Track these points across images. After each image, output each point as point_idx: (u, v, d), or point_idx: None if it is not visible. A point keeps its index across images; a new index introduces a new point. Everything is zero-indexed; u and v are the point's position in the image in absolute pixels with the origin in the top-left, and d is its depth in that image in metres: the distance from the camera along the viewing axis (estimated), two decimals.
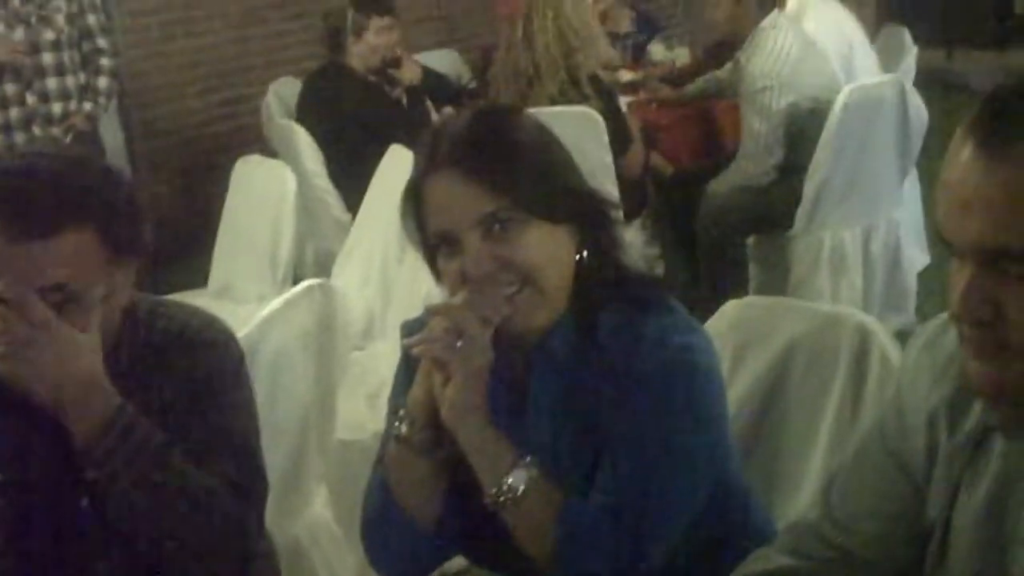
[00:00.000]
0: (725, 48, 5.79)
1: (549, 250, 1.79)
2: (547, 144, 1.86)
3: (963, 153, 1.28)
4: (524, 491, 1.73)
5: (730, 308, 2.31)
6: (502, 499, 1.74)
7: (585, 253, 1.83)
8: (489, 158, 1.77)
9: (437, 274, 1.84)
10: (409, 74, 5.63)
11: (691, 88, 5.78)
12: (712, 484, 1.81)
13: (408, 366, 1.91)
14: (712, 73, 5.65)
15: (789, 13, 5.09)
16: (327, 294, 2.93)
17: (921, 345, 1.58)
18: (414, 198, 1.82)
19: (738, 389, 2.23)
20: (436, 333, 1.73)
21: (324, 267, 4.82)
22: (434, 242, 1.80)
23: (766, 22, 4.75)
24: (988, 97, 1.31)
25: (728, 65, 5.35)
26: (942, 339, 1.53)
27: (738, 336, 2.27)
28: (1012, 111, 1.28)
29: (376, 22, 5.46)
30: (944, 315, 1.51)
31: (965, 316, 1.29)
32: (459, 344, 1.72)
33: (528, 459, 1.75)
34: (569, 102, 4.59)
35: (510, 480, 1.73)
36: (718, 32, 5.23)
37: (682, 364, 1.77)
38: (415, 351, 1.76)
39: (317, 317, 2.87)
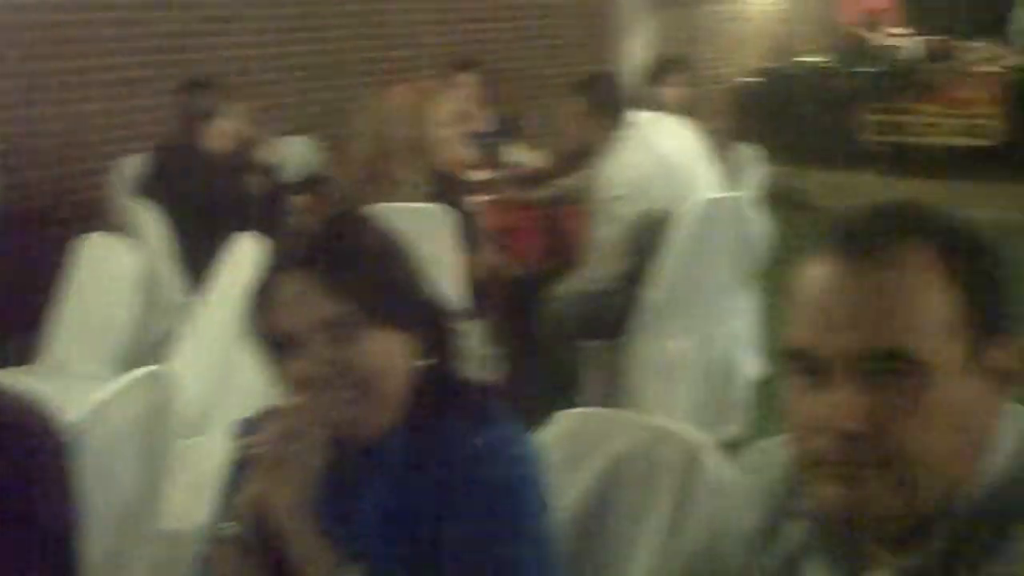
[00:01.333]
0: (579, 155, 5.91)
1: (389, 357, 1.80)
2: (395, 251, 1.89)
3: (826, 270, 1.34)
4: None
5: (563, 418, 2.33)
6: None
7: (424, 362, 1.85)
8: (336, 263, 1.79)
9: (277, 374, 1.84)
10: (264, 158, 5.62)
11: (544, 192, 5.85)
12: None
13: (239, 464, 1.89)
14: (565, 180, 5.74)
15: (639, 125, 5.19)
16: (162, 382, 2.89)
17: (746, 468, 1.62)
18: (260, 296, 1.82)
19: (567, 500, 2.24)
20: (272, 434, 1.72)
21: (163, 349, 4.74)
22: (277, 342, 1.80)
23: (621, 135, 4.85)
24: (845, 215, 1.38)
25: (580, 173, 5.44)
26: (766, 464, 1.57)
27: (569, 447, 2.27)
28: (868, 227, 1.35)
29: (228, 107, 5.45)
30: (769, 440, 1.55)
31: (837, 430, 1.29)
32: (294, 447, 1.71)
33: (351, 567, 1.74)
34: (419, 199, 4.61)
35: None
36: (572, 141, 5.32)
37: (510, 477, 1.79)
38: (249, 452, 1.75)
39: (150, 405, 2.83)
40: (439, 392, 1.86)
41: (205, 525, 1.95)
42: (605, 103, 4.93)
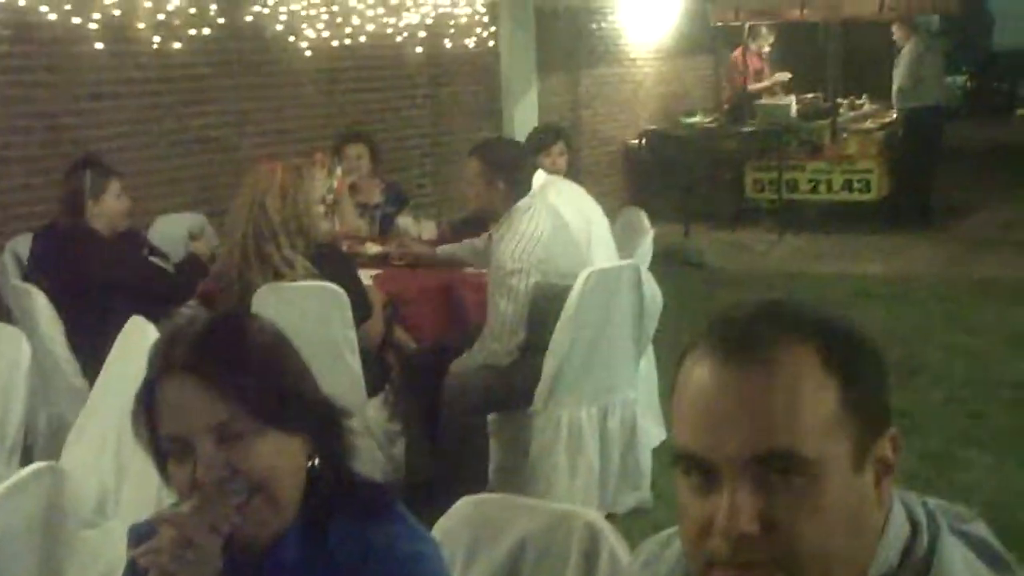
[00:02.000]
0: (471, 224, 5.94)
1: (281, 459, 1.79)
2: (282, 352, 1.88)
3: (707, 371, 1.34)
4: None
5: (461, 506, 2.33)
6: None
7: (316, 462, 1.84)
8: (223, 366, 1.77)
9: (166, 478, 1.81)
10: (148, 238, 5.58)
11: (445, 249, 5.88)
12: None
13: (135, 572, 1.85)
14: (470, 240, 5.75)
15: (539, 190, 5.23)
16: (56, 477, 2.84)
17: (641, 562, 1.63)
18: (147, 399, 1.80)
19: None
20: (163, 543, 1.69)
21: (58, 435, 4.66)
22: (166, 446, 1.78)
23: (521, 203, 4.86)
24: (716, 321, 1.40)
25: (484, 236, 5.47)
26: (660, 557, 1.58)
27: (471, 533, 2.28)
28: (748, 326, 1.37)
29: (113, 186, 5.40)
30: (664, 532, 1.57)
31: (733, 532, 1.30)
32: (186, 555, 1.69)
33: None
34: (306, 277, 4.59)
35: None
36: (469, 208, 5.31)
37: (405, 574, 1.78)
38: (142, 561, 1.72)
39: (45, 501, 2.77)
40: (333, 492, 1.85)
41: None
42: (506, 167, 4.92)
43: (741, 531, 1.29)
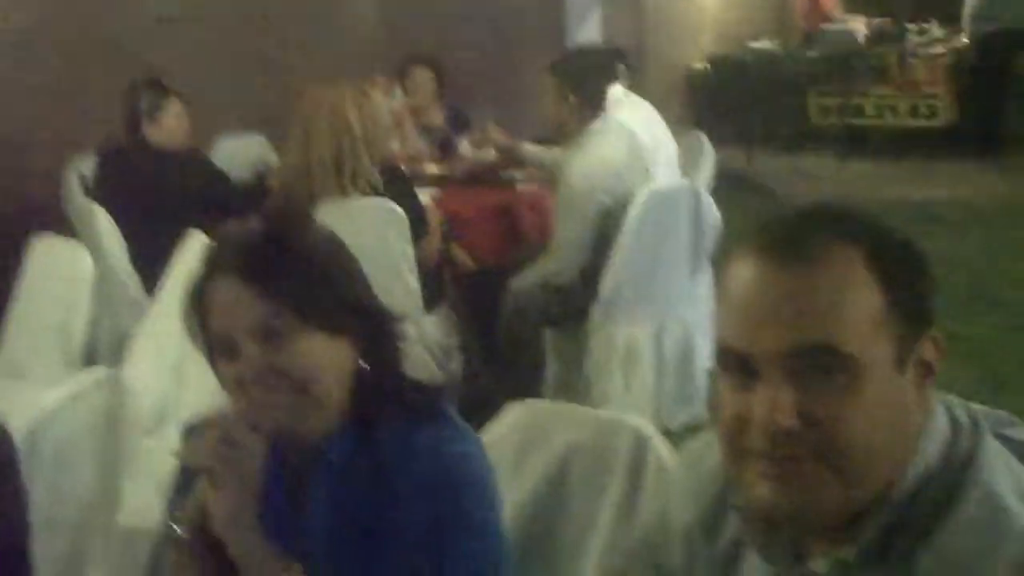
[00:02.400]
0: (544, 140, 5.94)
1: (326, 360, 1.80)
2: (332, 254, 1.89)
3: (755, 268, 1.36)
4: None
5: (511, 411, 2.35)
6: None
7: (364, 365, 1.85)
8: (269, 266, 1.79)
9: (217, 376, 1.84)
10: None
11: (530, 150, 5.84)
12: None
13: (187, 467, 1.89)
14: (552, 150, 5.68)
15: (613, 110, 5.21)
16: (115, 385, 2.90)
17: (685, 463, 1.65)
18: (196, 300, 1.83)
19: (517, 492, 2.26)
20: (208, 443, 1.72)
21: (119, 348, 4.72)
22: (214, 346, 1.81)
23: (595, 125, 4.85)
24: (767, 223, 1.41)
25: (545, 157, 5.48)
26: (703, 457, 1.59)
27: (518, 439, 2.30)
28: (797, 227, 1.39)
29: (172, 104, 5.43)
30: (706, 436, 1.58)
31: (771, 428, 1.32)
32: (232, 454, 1.71)
33: (295, 568, 1.75)
34: (370, 193, 4.61)
35: None
36: (548, 125, 5.26)
37: (455, 474, 1.80)
38: (185, 460, 1.75)
39: (105, 408, 2.83)
40: (382, 394, 1.86)
41: (160, 525, 1.96)
42: (577, 79, 4.91)
43: (780, 425, 1.31)
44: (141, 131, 5.38)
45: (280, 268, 1.80)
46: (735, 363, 1.36)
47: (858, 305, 1.32)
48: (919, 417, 1.37)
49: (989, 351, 5.87)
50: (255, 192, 5.47)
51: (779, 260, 1.34)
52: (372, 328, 1.88)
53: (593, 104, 4.89)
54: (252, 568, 1.74)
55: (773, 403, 1.31)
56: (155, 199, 5.23)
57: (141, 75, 6.09)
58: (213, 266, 1.82)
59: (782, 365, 1.32)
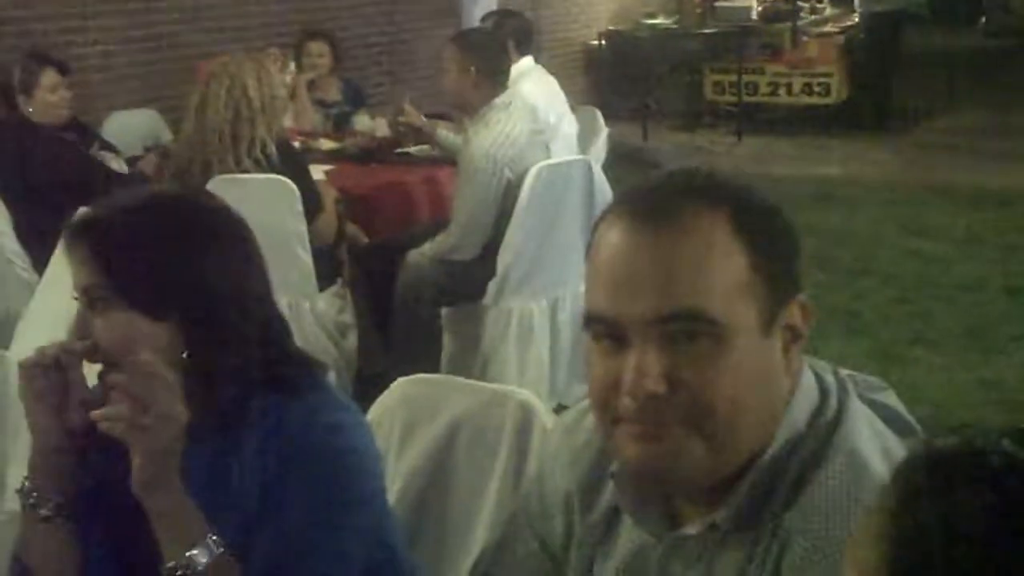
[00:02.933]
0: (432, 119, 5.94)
1: (135, 341, 1.76)
2: (174, 239, 1.83)
3: (618, 234, 1.36)
4: (204, 568, 1.70)
5: (398, 385, 2.36)
6: (179, 573, 1.70)
7: (187, 353, 1.80)
8: (102, 236, 1.78)
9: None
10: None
11: (442, 135, 5.83)
12: (365, 565, 1.83)
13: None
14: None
15: (511, 76, 5.22)
16: (3, 364, 2.85)
17: (560, 431, 1.66)
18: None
19: (406, 465, 2.28)
20: (120, 410, 1.68)
21: (6, 329, 4.64)
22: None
23: (499, 100, 4.86)
24: (630, 189, 1.42)
25: (444, 136, 5.49)
26: (579, 425, 1.61)
27: (406, 413, 2.32)
28: (662, 191, 1.39)
29: (47, 78, 5.34)
30: (583, 403, 1.59)
31: (639, 391, 1.32)
32: (146, 420, 1.67)
33: (213, 537, 1.72)
34: (265, 169, 4.59)
35: (194, 553, 1.71)
36: (448, 100, 5.24)
37: (328, 445, 1.80)
38: (103, 427, 1.71)
39: None
40: (212, 380, 1.82)
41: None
42: (482, 55, 4.90)
43: (647, 390, 1.32)
44: (16, 106, 5.27)
45: (111, 239, 1.79)
46: (604, 330, 1.37)
47: (723, 270, 1.33)
48: (787, 382, 1.39)
49: (879, 325, 5.99)
50: (133, 174, 5.46)
51: (645, 227, 1.35)
52: (198, 315, 1.82)
53: (496, 80, 4.89)
54: (169, 530, 1.72)
55: (640, 368, 1.32)
56: (34, 176, 5.13)
57: (28, 48, 6.00)
58: (71, 227, 1.83)
59: (649, 331, 1.32)
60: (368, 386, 2.14)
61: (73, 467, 1.77)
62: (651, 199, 1.39)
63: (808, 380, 1.43)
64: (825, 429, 1.39)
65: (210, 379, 1.82)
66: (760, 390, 1.36)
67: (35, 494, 1.77)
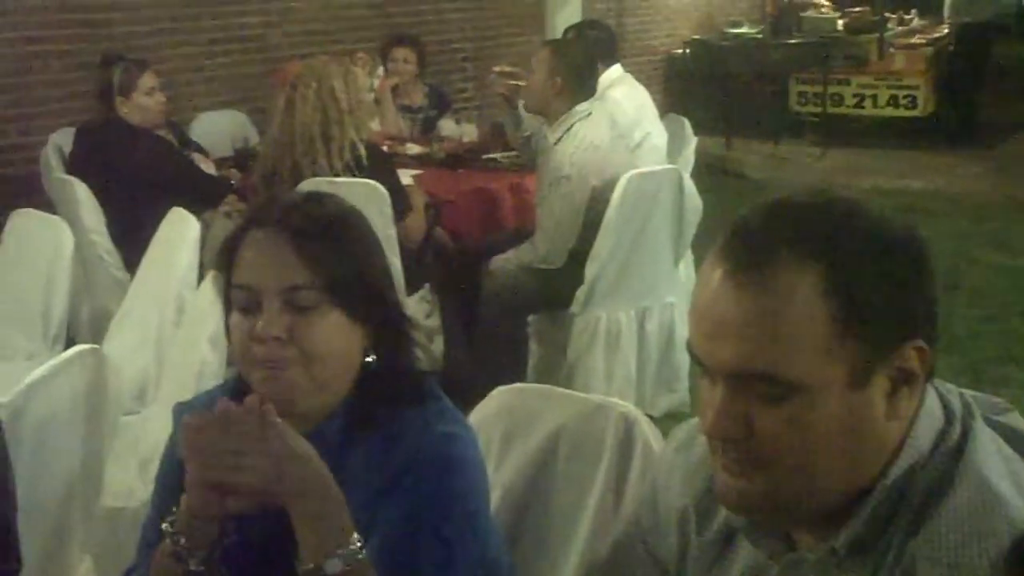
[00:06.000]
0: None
1: (338, 342, 1.79)
2: (371, 243, 1.88)
3: (714, 278, 1.35)
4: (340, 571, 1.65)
5: (497, 395, 2.35)
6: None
7: (374, 357, 1.84)
8: (315, 232, 1.78)
9: (227, 326, 1.83)
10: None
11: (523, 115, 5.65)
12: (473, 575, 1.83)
13: (174, 455, 1.82)
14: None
15: (601, 84, 5.23)
16: (98, 360, 2.88)
17: (674, 447, 1.65)
18: (229, 250, 1.81)
19: (505, 475, 2.26)
20: (219, 453, 1.63)
21: (99, 326, 4.70)
22: (236, 295, 1.79)
23: (580, 107, 4.84)
24: (736, 224, 1.38)
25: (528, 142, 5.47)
26: (694, 442, 1.60)
27: (505, 423, 2.30)
28: (759, 239, 1.35)
29: (145, 81, 5.39)
30: (697, 418, 1.58)
31: (718, 434, 1.36)
32: (247, 462, 1.62)
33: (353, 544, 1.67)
34: (352, 172, 4.60)
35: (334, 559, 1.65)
36: (528, 104, 5.22)
37: (442, 456, 1.80)
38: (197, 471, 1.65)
39: (87, 384, 2.81)
40: (382, 387, 1.85)
41: (146, 507, 1.94)
42: (574, 64, 4.89)
43: (724, 432, 1.35)
44: (115, 107, 5.33)
45: (323, 237, 1.79)
46: (701, 366, 1.39)
47: (804, 332, 1.31)
48: (895, 422, 1.36)
49: (967, 342, 5.90)
50: (223, 177, 5.52)
51: (734, 275, 1.34)
52: (388, 323, 1.86)
53: (580, 91, 4.87)
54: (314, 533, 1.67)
55: (718, 410, 1.35)
56: (130, 177, 5.19)
57: (115, 50, 6.07)
58: (258, 217, 1.81)
59: (729, 378, 1.34)
60: (454, 392, 2.11)
61: (224, 524, 1.70)
62: (748, 244, 1.35)
63: (933, 403, 1.40)
64: (950, 454, 1.37)
65: (386, 382, 1.84)
66: (847, 440, 1.34)
67: (183, 543, 1.69)
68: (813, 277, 1.31)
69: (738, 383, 1.33)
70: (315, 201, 1.88)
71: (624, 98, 5.64)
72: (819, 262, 1.31)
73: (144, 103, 5.38)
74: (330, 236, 1.80)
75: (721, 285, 1.34)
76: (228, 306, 1.82)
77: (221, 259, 1.82)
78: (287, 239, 1.76)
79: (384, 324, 1.85)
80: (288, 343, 1.75)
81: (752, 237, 1.36)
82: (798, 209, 1.38)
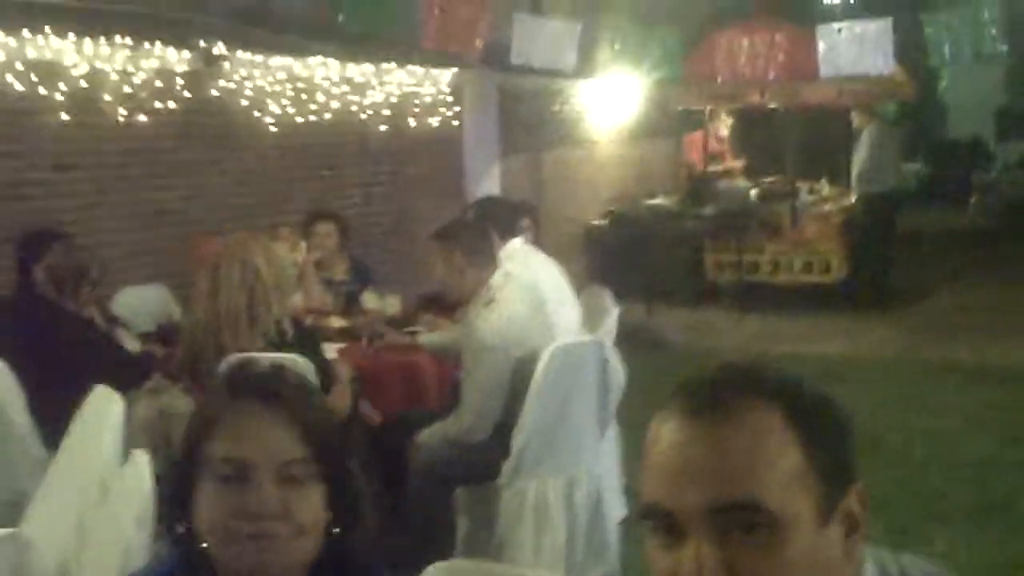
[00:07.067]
0: (438, 300, 5.95)
1: (319, 514, 1.78)
2: (323, 404, 1.88)
3: (672, 429, 1.38)
4: None
5: (434, 572, 2.32)
6: None
7: (337, 530, 1.82)
8: (304, 404, 1.78)
9: (213, 501, 1.77)
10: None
11: (427, 339, 5.76)
12: None
13: None
14: (450, 332, 5.68)
15: (514, 264, 5.31)
16: (17, 545, 2.81)
17: None
18: (208, 420, 1.78)
19: None
20: None
21: (17, 508, 4.58)
22: (216, 469, 1.74)
23: (495, 280, 4.89)
24: (684, 383, 1.43)
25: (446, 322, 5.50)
26: None
27: None
28: (715, 387, 1.40)
29: (98, 268, 5.41)
30: None
31: None
32: None
33: None
34: (275, 348, 4.58)
35: None
36: (450, 298, 5.28)
37: None
38: None
39: (6, 569, 2.74)
40: (343, 562, 1.82)
41: None
42: (461, 241, 4.95)
43: None
44: (79, 294, 5.32)
45: (309, 409, 1.79)
46: (661, 522, 1.37)
47: (778, 462, 1.34)
48: (848, 571, 1.38)
49: (891, 502, 5.93)
50: (146, 354, 5.47)
51: (700, 419, 1.36)
52: (348, 492, 1.84)
53: (481, 261, 4.93)
54: None
55: (698, 559, 1.33)
56: (51, 355, 5.13)
57: (38, 223, 6.06)
58: (243, 388, 1.79)
59: (705, 522, 1.33)
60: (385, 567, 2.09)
61: None
62: (706, 392, 1.39)
63: (871, 570, 1.43)
64: None
65: (347, 555, 1.82)
66: None
67: None
68: (776, 415, 1.36)
69: (716, 524, 1.32)
70: (283, 370, 1.87)
71: (533, 270, 5.68)
72: (776, 403, 1.37)
73: (93, 298, 5.41)
74: (315, 407, 1.80)
75: (683, 431, 1.37)
76: (185, 482, 1.77)
77: (195, 431, 1.78)
78: (278, 411, 1.75)
79: (344, 496, 1.83)
80: (281, 519, 1.72)
81: (709, 388, 1.40)
82: (744, 366, 1.45)
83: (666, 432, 1.39)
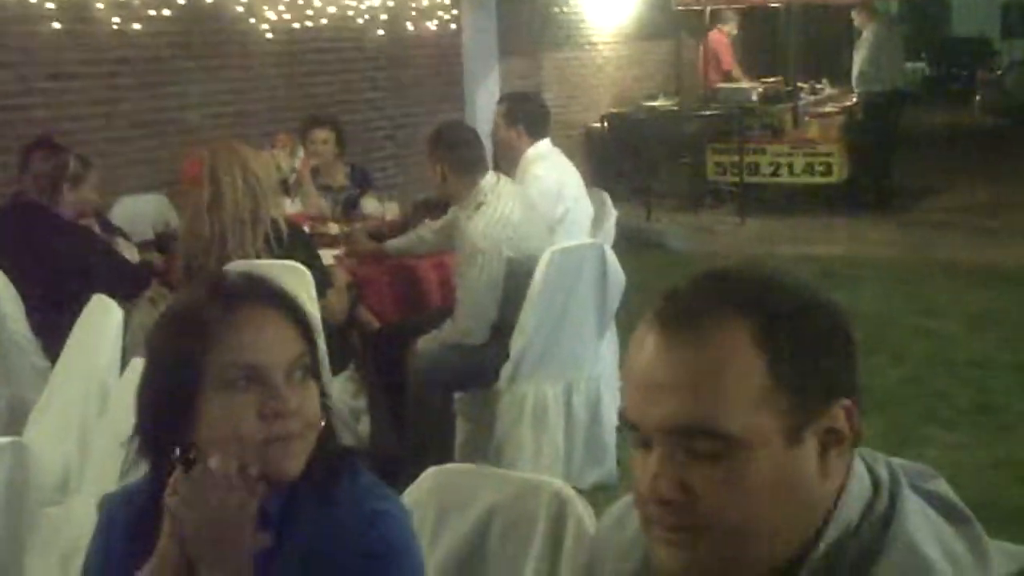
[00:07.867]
0: (434, 204, 5.92)
1: (318, 407, 1.81)
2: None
3: (647, 342, 1.38)
4: None
5: (430, 475, 2.34)
6: None
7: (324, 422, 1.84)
8: (296, 305, 1.83)
9: (190, 411, 1.74)
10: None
11: (393, 244, 5.72)
12: None
13: (101, 548, 1.84)
14: (416, 231, 5.70)
15: (527, 158, 5.44)
16: (18, 451, 2.84)
17: (608, 524, 1.65)
18: (203, 327, 1.75)
19: (439, 555, 2.25)
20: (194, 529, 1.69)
21: (20, 416, 4.62)
22: (229, 374, 1.73)
23: (485, 181, 4.87)
24: (667, 292, 1.42)
25: (435, 224, 5.47)
26: (627, 519, 1.60)
27: (438, 502, 2.30)
28: (689, 301, 1.39)
29: (94, 177, 5.40)
30: (628, 496, 1.58)
31: (654, 496, 1.35)
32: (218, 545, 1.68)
33: None
34: (273, 254, 4.58)
35: None
36: (442, 198, 5.29)
37: (377, 538, 1.78)
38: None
39: (6, 475, 2.77)
40: (319, 464, 1.83)
41: None
42: (448, 149, 4.94)
43: (662, 496, 1.35)
44: (60, 195, 5.31)
45: (299, 305, 1.84)
46: (634, 434, 1.39)
47: (739, 384, 1.33)
48: (827, 483, 1.38)
49: (890, 404, 5.97)
50: (144, 264, 5.48)
51: (668, 335, 1.37)
52: (322, 380, 1.88)
53: (470, 166, 4.92)
54: None
55: (656, 473, 1.35)
56: (52, 264, 5.14)
57: (36, 133, 6.03)
58: (245, 294, 1.79)
59: (666, 439, 1.35)
60: (382, 471, 2.10)
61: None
62: (677, 306, 1.39)
63: (861, 473, 1.42)
64: (879, 523, 1.38)
65: (321, 458, 1.83)
66: (783, 501, 1.35)
67: None
68: (744, 332, 1.34)
69: (675, 442, 1.34)
70: (269, 276, 1.89)
71: (545, 173, 5.67)
72: (748, 318, 1.35)
73: (88, 196, 5.39)
74: (301, 307, 1.84)
75: (655, 347, 1.37)
76: (189, 387, 1.74)
77: (194, 340, 1.75)
78: (280, 311, 1.79)
79: (324, 390, 1.86)
80: (295, 415, 1.74)
81: (683, 300, 1.40)
82: (725, 274, 1.44)
83: (638, 346, 1.39)
